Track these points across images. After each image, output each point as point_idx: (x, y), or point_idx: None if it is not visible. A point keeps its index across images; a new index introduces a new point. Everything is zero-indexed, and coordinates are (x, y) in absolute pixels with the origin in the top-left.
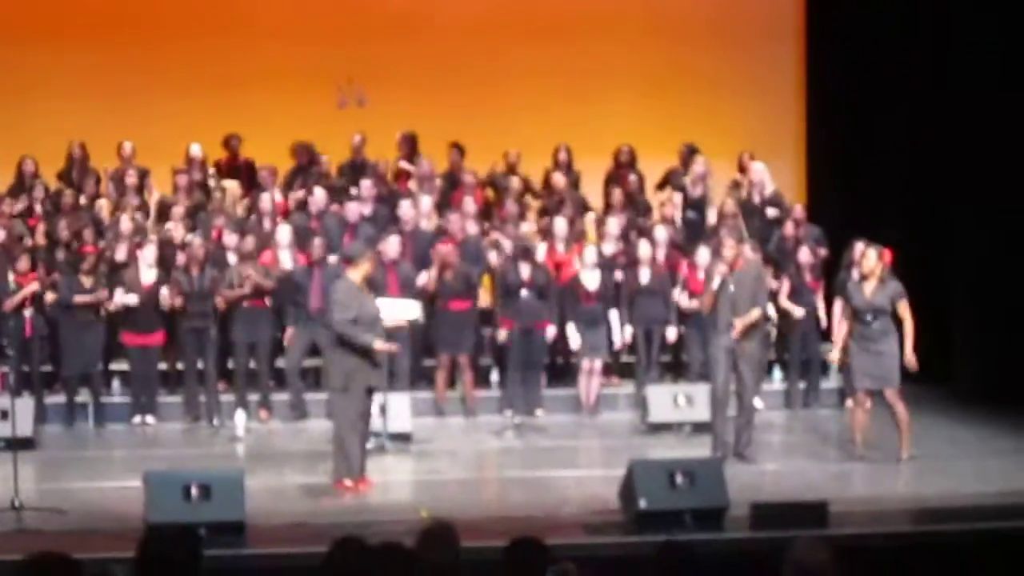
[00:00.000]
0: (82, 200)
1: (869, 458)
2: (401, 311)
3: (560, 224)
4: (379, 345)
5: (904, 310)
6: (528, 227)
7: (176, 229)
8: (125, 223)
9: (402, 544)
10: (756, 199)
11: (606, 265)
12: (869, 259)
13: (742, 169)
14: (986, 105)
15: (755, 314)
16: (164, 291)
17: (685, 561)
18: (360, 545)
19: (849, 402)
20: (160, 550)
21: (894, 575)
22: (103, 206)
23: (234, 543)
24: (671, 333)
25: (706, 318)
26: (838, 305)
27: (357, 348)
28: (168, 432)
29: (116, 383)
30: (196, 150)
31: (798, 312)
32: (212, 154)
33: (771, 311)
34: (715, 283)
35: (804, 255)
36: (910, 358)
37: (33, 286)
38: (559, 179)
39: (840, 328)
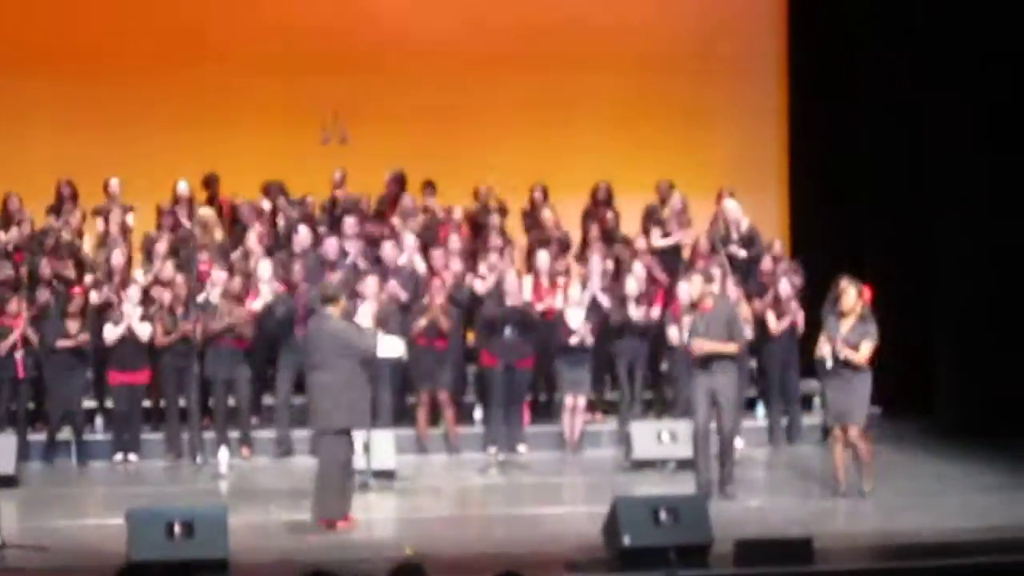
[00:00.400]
0: (66, 236)
1: (851, 494)
2: (387, 348)
3: (543, 258)
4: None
5: (866, 348)
6: (510, 260)
7: (164, 268)
8: (117, 257)
9: None
10: (735, 235)
11: (588, 301)
12: (849, 297)
13: (719, 206)
14: (971, 139)
15: (731, 347)
16: (145, 328)
17: None
18: None
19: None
20: None
21: None
22: (88, 243)
23: None
24: (674, 335)
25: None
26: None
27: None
28: (151, 469)
29: (99, 420)
30: (183, 188)
31: (786, 322)
32: (195, 189)
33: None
34: (686, 318)
35: (784, 287)
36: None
37: (22, 327)
38: (547, 215)
39: (822, 351)
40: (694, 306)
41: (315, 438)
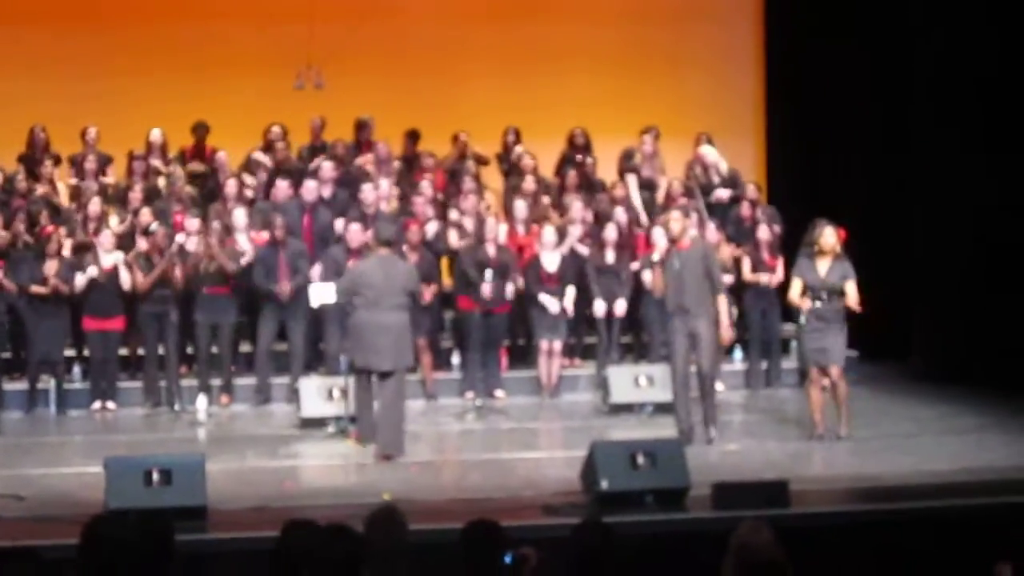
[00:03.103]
0: (40, 188)
1: (829, 437)
2: (321, 295)
3: (520, 206)
4: None
5: (852, 289)
6: (488, 203)
7: (142, 214)
8: (95, 205)
9: (349, 526)
10: (715, 180)
11: (567, 247)
12: (827, 237)
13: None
14: (946, 83)
15: (723, 303)
16: (124, 274)
17: (601, 543)
18: (310, 526)
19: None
20: (126, 536)
21: (855, 553)
22: (62, 191)
23: (196, 528)
24: (620, 307)
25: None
26: (792, 283)
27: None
28: (129, 417)
29: (77, 369)
30: (156, 135)
31: (765, 278)
32: (171, 138)
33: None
34: (655, 256)
35: (763, 232)
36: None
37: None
38: (528, 161)
39: (794, 300)
40: (673, 242)
41: (362, 376)
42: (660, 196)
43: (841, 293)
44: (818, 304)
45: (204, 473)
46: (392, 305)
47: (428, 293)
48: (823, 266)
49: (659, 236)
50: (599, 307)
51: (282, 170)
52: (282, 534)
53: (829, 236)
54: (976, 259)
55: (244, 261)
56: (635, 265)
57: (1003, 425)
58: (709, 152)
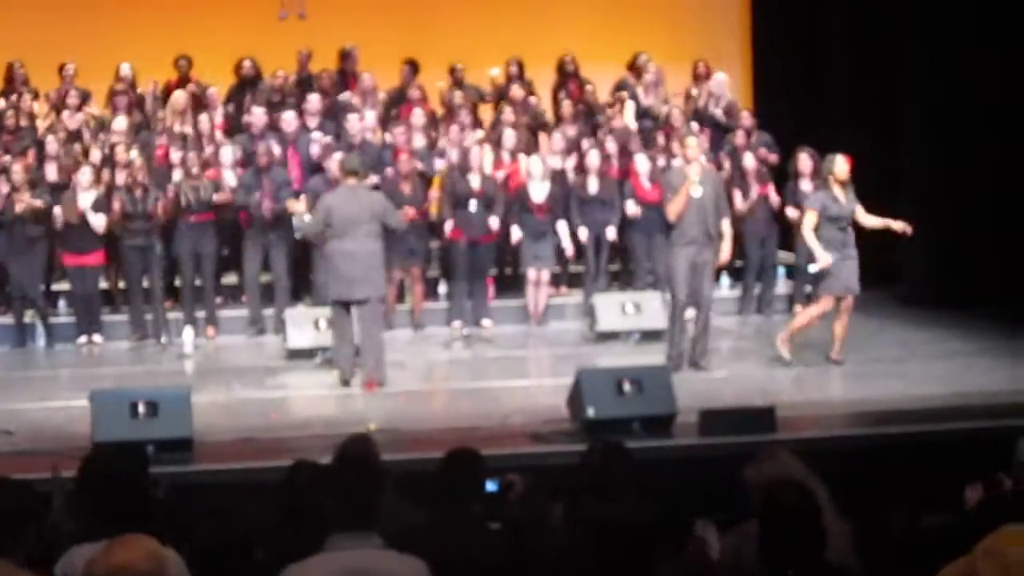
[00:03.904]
0: (22, 121)
1: (817, 362)
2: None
3: (508, 134)
4: None
5: (863, 212)
6: (477, 135)
7: (119, 148)
8: (52, 144)
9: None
10: (713, 109)
11: (554, 177)
12: (843, 166)
13: (696, 78)
14: (941, 11)
15: (728, 226)
16: (93, 216)
17: (620, 463)
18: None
19: (799, 308)
20: (106, 468)
21: (843, 478)
22: (41, 126)
23: (181, 460)
24: (611, 233)
25: (651, 226)
26: (809, 216)
27: None
28: (115, 351)
29: (62, 303)
30: (126, 69)
31: (739, 202)
32: (149, 71)
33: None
34: (694, 177)
35: (748, 160)
36: (900, 223)
37: None
38: (516, 91)
39: (811, 236)
40: (688, 161)
41: (338, 307)
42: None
43: (852, 219)
44: (844, 233)
45: (190, 405)
46: (363, 234)
47: (414, 215)
48: (840, 194)
49: (644, 164)
50: (580, 234)
51: (268, 102)
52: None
53: (842, 165)
54: (966, 184)
55: (222, 194)
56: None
57: (991, 350)
58: (720, 80)
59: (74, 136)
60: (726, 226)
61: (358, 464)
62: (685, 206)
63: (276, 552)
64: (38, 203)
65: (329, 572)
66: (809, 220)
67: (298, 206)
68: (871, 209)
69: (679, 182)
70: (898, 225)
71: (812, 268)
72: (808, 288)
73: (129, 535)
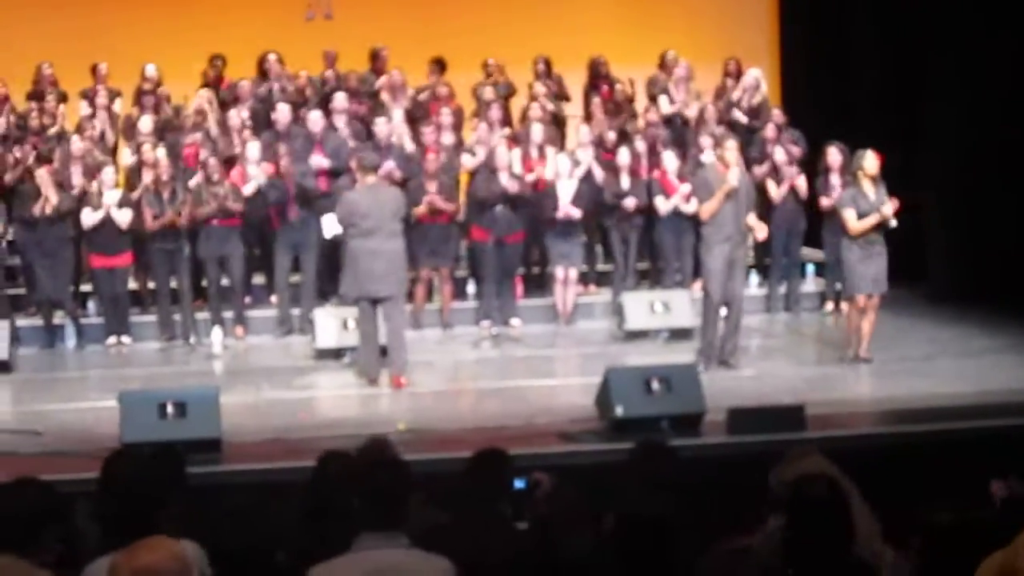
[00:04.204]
0: (47, 122)
1: (845, 361)
2: (329, 227)
3: (536, 129)
4: None
5: (890, 210)
6: (503, 133)
7: (145, 149)
8: (76, 144)
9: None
10: (745, 104)
11: (582, 172)
12: (872, 162)
13: (727, 74)
14: (967, 6)
15: (754, 217)
16: (118, 214)
17: (664, 461)
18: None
19: (829, 305)
20: (138, 470)
21: (872, 476)
22: (69, 128)
23: (210, 460)
24: (630, 202)
25: (680, 224)
26: (848, 215)
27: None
28: (144, 352)
29: (92, 304)
30: (151, 70)
31: (761, 234)
32: (177, 72)
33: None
34: (733, 180)
35: (779, 154)
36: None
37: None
38: (538, 88)
39: (858, 222)
40: (726, 164)
41: (365, 303)
42: (693, 120)
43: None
44: (870, 231)
45: (218, 405)
46: (385, 232)
47: (445, 207)
48: (870, 190)
49: (672, 162)
50: (629, 202)
51: (291, 101)
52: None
53: (872, 161)
54: (993, 180)
55: (248, 192)
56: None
57: (1019, 346)
58: (755, 76)
59: (102, 136)
60: (752, 219)
61: (387, 464)
62: (719, 207)
63: (299, 553)
64: (236, 205)
65: (357, 572)
66: (851, 218)
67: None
68: (901, 204)
69: (715, 181)
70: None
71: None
72: (838, 285)
73: (152, 537)
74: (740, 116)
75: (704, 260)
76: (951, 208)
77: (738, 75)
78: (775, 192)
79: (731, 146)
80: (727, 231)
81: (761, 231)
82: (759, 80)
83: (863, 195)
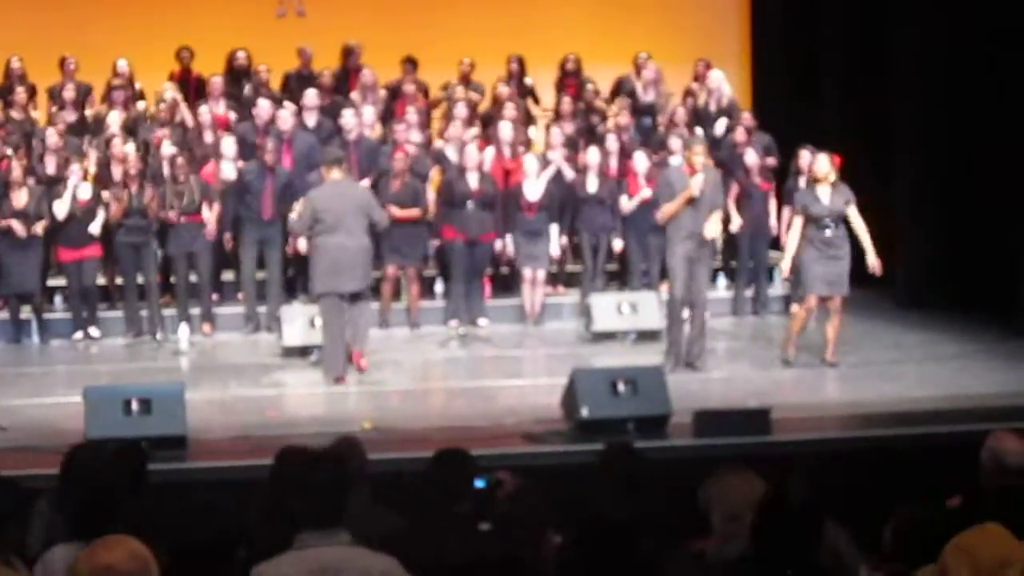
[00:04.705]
0: (16, 115)
1: (812, 364)
2: None
3: (505, 128)
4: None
5: (855, 214)
6: (473, 132)
7: (114, 142)
8: (52, 137)
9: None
10: (712, 107)
11: (551, 173)
12: (822, 164)
13: (697, 77)
14: (933, 9)
15: (718, 219)
16: (100, 211)
17: (629, 462)
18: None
19: (794, 307)
20: (100, 466)
21: (836, 480)
22: (39, 120)
23: (175, 457)
24: (617, 244)
25: (645, 225)
26: (789, 214)
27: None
28: (111, 347)
29: (58, 299)
30: (123, 65)
31: (736, 221)
32: (147, 67)
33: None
34: (696, 191)
35: (751, 157)
36: (874, 261)
37: None
38: (502, 89)
39: (792, 237)
40: (692, 169)
41: (329, 300)
42: (663, 121)
43: (842, 218)
44: (827, 232)
45: (183, 402)
46: (351, 228)
47: (405, 215)
48: (824, 193)
49: (642, 162)
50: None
51: (265, 96)
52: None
53: (822, 163)
54: (960, 186)
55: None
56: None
57: (985, 352)
58: (717, 78)
59: (73, 130)
60: (716, 215)
61: (322, 461)
62: (679, 210)
63: (259, 551)
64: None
65: (301, 570)
66: (796, 223)
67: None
68: (862, 209)
69: (678, 184)
70: (872, 260)
71: (784, 271)
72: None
73: (112, 536)
74: (720, 122)
75: (667, 259)
76: (920, 213)
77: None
78: (735, 221)
79: (699, 151)
80: (687, 229)
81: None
82: (722, 79)
83: (815, 198)
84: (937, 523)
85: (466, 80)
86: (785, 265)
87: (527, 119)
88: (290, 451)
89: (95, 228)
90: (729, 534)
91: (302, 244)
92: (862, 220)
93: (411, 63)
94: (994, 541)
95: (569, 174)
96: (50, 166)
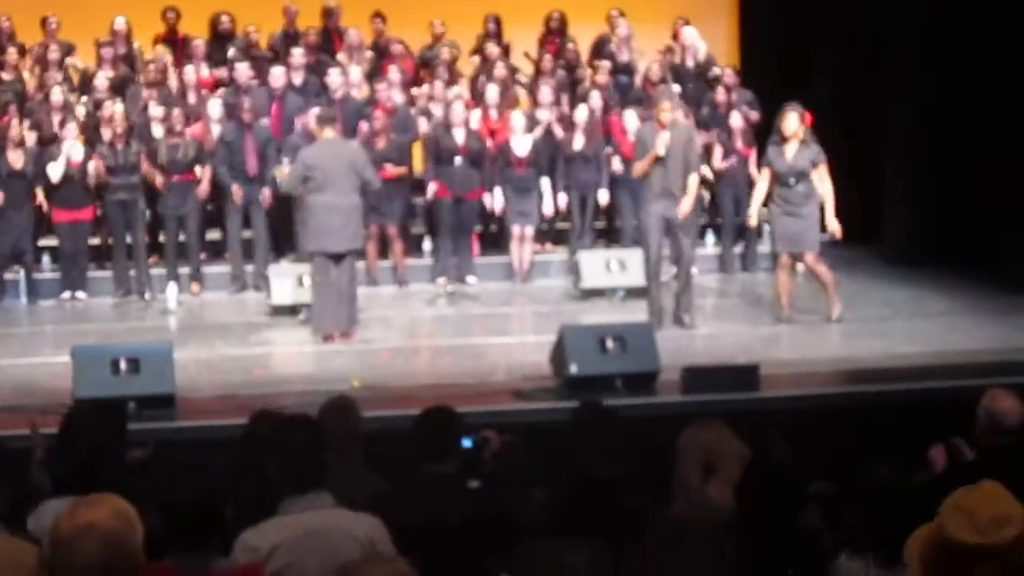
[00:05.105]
0: (5, 76)
1: (802, 320)
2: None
3: (492, 90)
4: None
5: (823, 174)
6: (458, 91)
7: (105, 103)
8: (56, 95)
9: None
10: (689, 63)
11: (540, 132)
12: (790, 121)
13: (675, 35)
14: None
15: (694, 182)
16: (91, 166)
17: (603, 421)
18: (275, 416)
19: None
20: (82, 425)
21: (824, 436)
22: (28, 81)
23: (163, 416)
24: (603, 197)
25: (637, 183)
26: (762, 172)
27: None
28: (99, 307)
29: (46, 259)
30: (120, 23)
31: (725, 165)
32: (139, 27)
33: (707, 172)
34: (660, 150)
35: (735, 120)
36: (832, 224)
37: None
38: (491, 49)
39: (757, 191)
40: (661, 127)
41: (320, 258)
42: (638, 80)
43: (808, 176)
44: (788, 189)
45: (172, 361)
46: (342, 187)
47: (395, 173)
48: (790, 150)
49: (633, 120)
50: (559, 201)
51: (252, 56)
52: (250, 423)
53: (791, 121)
54: (948, 143)
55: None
56: (609, 149)
57: (973, 309)
58: (690, 34)
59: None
60: (692, 181)
61: (298, 424)
62: (650, 167)
63: (245, 510)
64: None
65: (285, 536)
66: (762, 176)
67: (284, 170)
68: (849, 167)
69: (650, 141)
70: (831, 223)
71: (750, 222)
72: None
73: (96, 494)
74: (713, 69)
75: (640, 218)
76: (907, 170)
77: None
78: (719, 159)
79: (666, 106)
80: (657, 189)
81: (684, 205)
82: (695, 36)
83: (780, 155)
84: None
85: (437, 41)
86: (751, 217)
87: (514, 76)
88: (264, 414)
89: (91, 177)
90: (695, 487)
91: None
92: (830, 181)
93: (380, 18)
94: (992, 499)
95: (559, 132)
96: (55, 124)
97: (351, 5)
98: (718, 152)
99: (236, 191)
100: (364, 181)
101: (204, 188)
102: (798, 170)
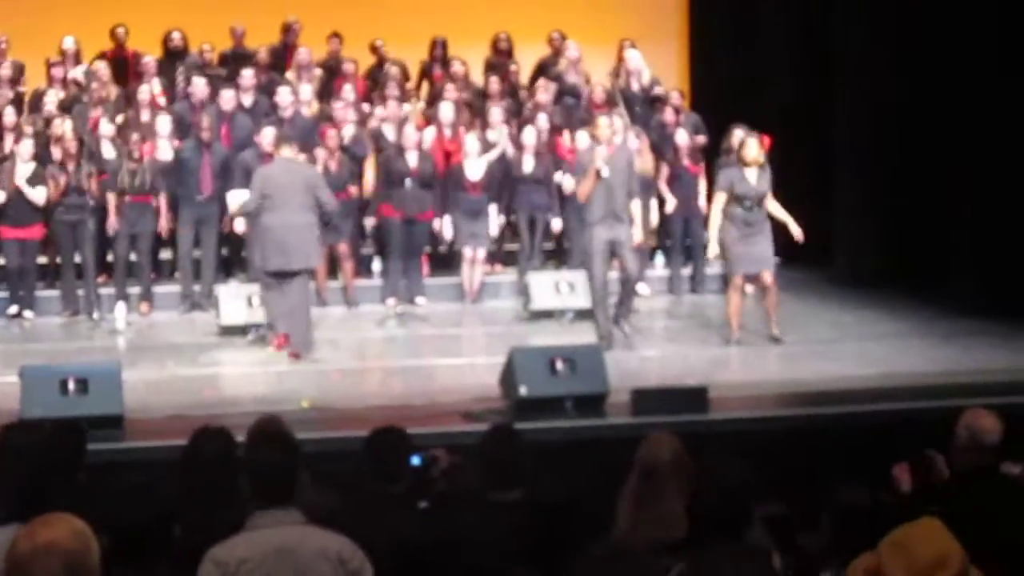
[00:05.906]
0: None
1: (751, 343)
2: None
3: (446, 109)
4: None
5: (771, 198)
6: (410, 108)
7: (54, 122)
8: (9, 115)
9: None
10: (635, 87)
11: (496, 154)
12: (751, 148)
13: (621, 57)
14: None
15: (637, 208)
16: (30, 190)
17: (511, 445)
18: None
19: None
20: (37, 446)
21: (774, 458)
22: None
23: (111, 437)
24: (556, 224)
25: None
26: (718, 196)
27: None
28: (47, 327)
29: None
30: (70, 43)
31: (670, 202)
32: (88, 45)
33: (654, 217)
34: (598, 163)
35: (681, 138)
36: (797, 231)
37: None
38: (458, 68)
39: (713, 216)
40: (601, 144)
41: (269, 277)
42: (585, 102)
43: (764, 199)
44: (748, 213)
45: (120, 381)
46: (298, 206)
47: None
48: (752, 175)
49: (582, 142)
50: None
51: (207, 75)
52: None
53: (752, 148)
54: (900, 165)
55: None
56: (558, 175)
57: (923, 330)
58: (634, 57)
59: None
60: (635, 207)
61: (274, 439)
62: (593, 187)
63: (192, 529)
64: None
65: (255, 552)
66: (718, 200)
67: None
68: (798, 188)
69: (589, 163)
70: (795, 230)
71: (710, 254)
72: None
73: (51, 514)
74: (656, 89)
75: (584, 242)
76: (857, 192)
77: None
78: (669, 200)
79: (603, 123)
80: (599, 212)
81: (636, 235)
82: (639, 59)
83: (742, 178)
84: (881, 511)
85: (381, 60)
86: (712, 249)
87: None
88: (209, 432)
89: (39, 197)
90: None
91: (239, 224)
92: (778, 203)
93: (337, 38)
94: (931, 539)
95: (510, 150)
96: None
97: (307, 23)
98: (664, 173)
99: (168, 220)
100: (320, 202)
101: (163, 224)
102: (760, 194)
